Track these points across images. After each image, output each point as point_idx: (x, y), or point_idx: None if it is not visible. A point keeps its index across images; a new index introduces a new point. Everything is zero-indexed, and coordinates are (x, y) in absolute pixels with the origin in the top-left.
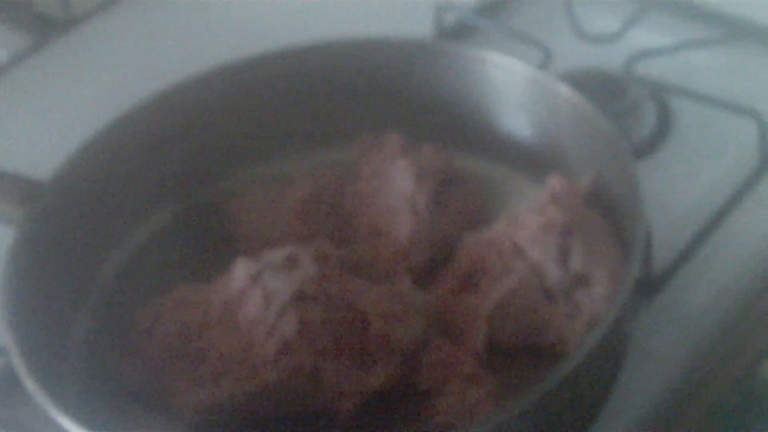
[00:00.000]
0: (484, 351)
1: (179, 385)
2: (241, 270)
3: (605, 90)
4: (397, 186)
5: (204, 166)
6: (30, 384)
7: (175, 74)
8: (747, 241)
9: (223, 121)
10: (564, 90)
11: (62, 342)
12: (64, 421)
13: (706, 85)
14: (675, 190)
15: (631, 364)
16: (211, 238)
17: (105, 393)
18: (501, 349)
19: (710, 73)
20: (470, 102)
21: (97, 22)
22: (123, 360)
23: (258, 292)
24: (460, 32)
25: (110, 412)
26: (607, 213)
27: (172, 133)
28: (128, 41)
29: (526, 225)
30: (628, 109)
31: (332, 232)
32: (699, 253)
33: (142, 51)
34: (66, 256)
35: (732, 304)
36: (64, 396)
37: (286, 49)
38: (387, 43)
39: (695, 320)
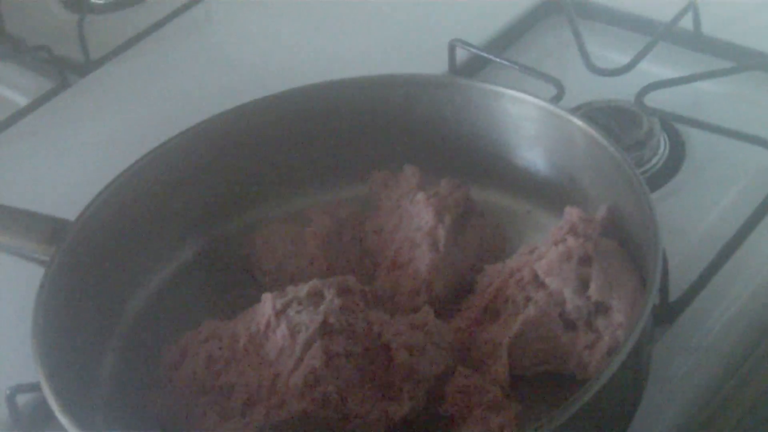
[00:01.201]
0: (506, 379)
1: (207, 418)
2: (267, 304)
3: (618, 122)
4: (416, 220)
5: (225, 203)
6: (63, 419)
7: (191, 114)
8: (762, 268)
9: (243, 159)
10: (579, 124)
11: (91, 376)
12: None
13: (716, 115)
14: (690, 219)
15: (651, 389)
16: (234, 274)
17: (132, 425)
18: (523, 377)
19: (720, 103)
20: (486, 136)
21: (115, 64)
22: (151, 394)
23: (284, 326)
24: (473, 68)
25: None
26: (624, 242)
27: (194, 172)
28: (146, 83)
29: (545, 255)
30: (641, 141)
31: (353, 267)
32: (714, 280)
33: (160, 92)
34: (93, 293)
35: (747, 329)
36: (94, 428)
37: (304, 87)
38: (402, 80)
39: (712, 345)
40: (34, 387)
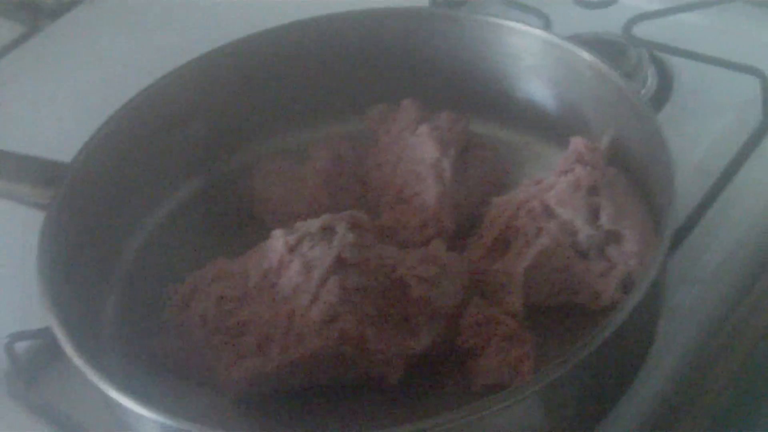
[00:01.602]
0: (521, 310)
1: (222, 359)
2: (278, 241)
3: (606, 54)
4: (419, 153)
5: (222, 140)
6: (78, 361)
7: (170, 56)
8: (759, 197)
9: (238, 95)
10: (586, 55)
11: (95, 318)
12: (113, 393)
13: (703, 46)
14: (682, 150)
15: (662, 321)
16: (233, 212)
17: (141, 367)
18: (536, 308)
19: (706, 34)
20: (485, 68)
21: (88, 6)
22: (157, 337)
23: (297, 262)
24: (455, 2)
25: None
26: (629, 171)
27: (188, 110)
28: (120, 24)
29: (555, 186)
30: (629, 72)
31: (355, 203)
32: (711, 210)
33: (136, 33)
34: (93, 235)
35: (749, 258)
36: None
37: (299, 22)
38: (398, 13)
39: (716, 274)
40: (33, 334)
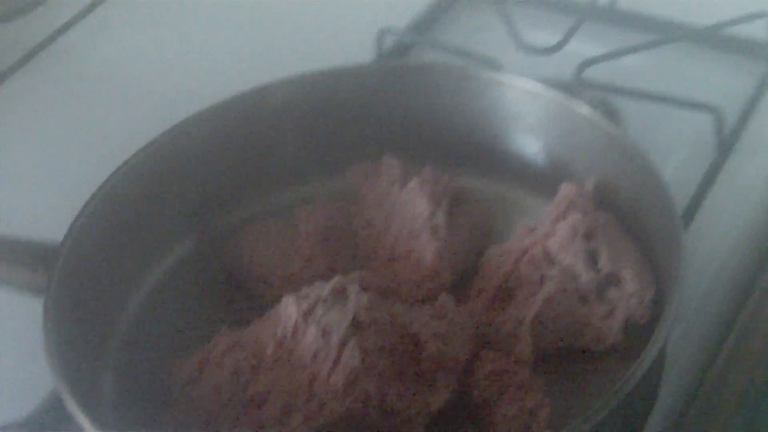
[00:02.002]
0: (531, 358)
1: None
2: (290, 307)
3: None
4: (410, 209)
5: (206, 205)
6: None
7: (109, 125)
8: (719, 230)
9: (220, 158)
10: (583, 109)
11: (96, 396)
12: None
13: (654, 86)
14: None
15: None
16: (222, 277)
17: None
18: (541, 355)
19: (655, 75)
20: (469, 122)
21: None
22: (164, 413)
23: (314, 327)
24: (401, 53)
25: None
26: (626, 220)
27: (169, 176)
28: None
29: (554, 233)
30: None
31: (350, 262)
32: None
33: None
34: (90, 311)
35: (723, 289)
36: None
37: (279, 82)
38: (382, 69)
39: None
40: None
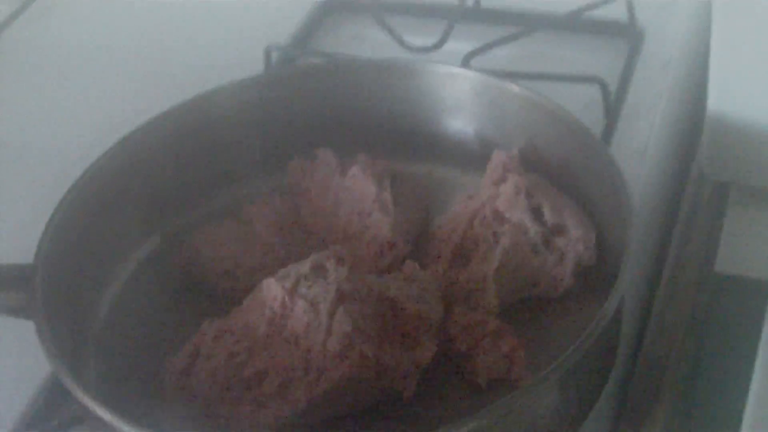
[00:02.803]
0: (498, 308)
1: (242, 411)
2: (273, 287)
3: None
4: (356, 193)
5: (164, 206)
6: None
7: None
8: None
9: (170, 163)
10: (514, 88)
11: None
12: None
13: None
14: None
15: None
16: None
17: None
18: (504, 307)
19: (529, 61)
20: (390, 111)
21: None
22: (158, 407)
23: (302, 302)
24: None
25: None
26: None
27: (128, 182)
28: None
29: (499, 194)
30: None
31: (305, 249)
32: None
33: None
34: (68, 321)
35: None
36: None
37: (220, 87)
38: (319, 69)
39: None
40: None
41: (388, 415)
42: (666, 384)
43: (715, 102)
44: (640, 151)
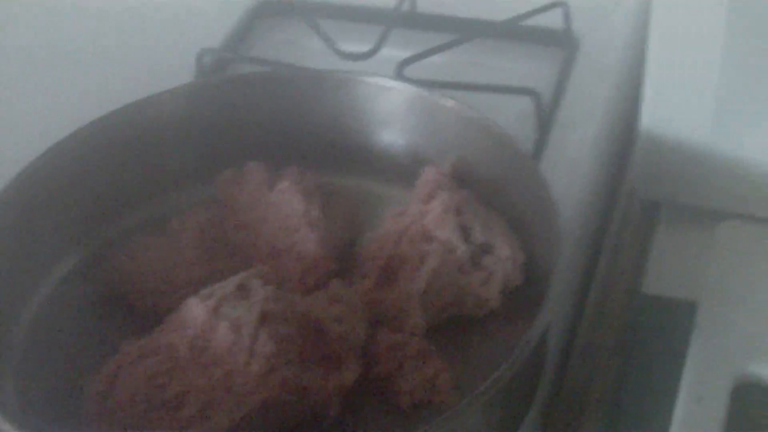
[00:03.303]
0: (423, 329)
1: None
2: (196, 308)
3: None
4: (284, 208)
5: (89, 217)
6: None
7: None
8: None
9: (96, 172)
10: (449, 103)
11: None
12: None
13: (467, 79)
14: None
15: None
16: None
17: None
18: (430, 327)
19: (465, 69)
20: (320, 122)
21: None
22: (84, 428)
23: (224, 324)
24: (221, 70)
25: None
26: (500, 205)
27: (51, 192)
28: None
29: (428, 212)
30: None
31: (230, 265)
32: None
33: None
34: None
35: None
36: None
37: (148, 97)
38: (241, 80)
39: None
40: None
41: None
42: (590, 405)
43: (649, 117)
44: (571, 163)
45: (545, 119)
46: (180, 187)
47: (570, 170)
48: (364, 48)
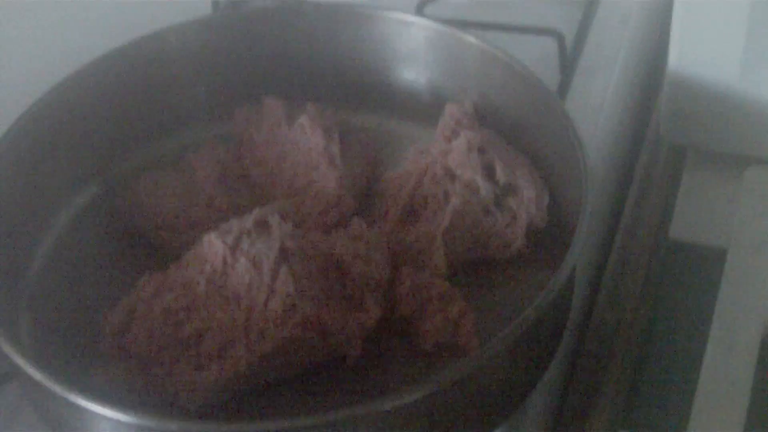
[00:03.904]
0: (446, 270)
1: (179, 372)
2: (215, 243)
3: None
4: (303, 145)
5: (105, 152)
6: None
7: None
8: None
9: (112, 106)
10: (471, 39)
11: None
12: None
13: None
14: None
15: None
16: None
17: None
18: (453, 268)
19: (484, 10)
20: (340, 58)
21: None
22: (94, 367)
23: (243, 259)
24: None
25: None
26: (522, 143)
27: (67, 125)
28: None
29: (451, 151)
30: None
31: (249, 201)
32: None
33: None
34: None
35: None
36: None
37: (165, 29)
38: (266, 12)
39: None
40: None
41: (332, 379)
42: (617, 353)
43: (676, 60)
44: (595, 108)
45: (569, 62)
46: (197, 122)
47: (594, 114)
48: None
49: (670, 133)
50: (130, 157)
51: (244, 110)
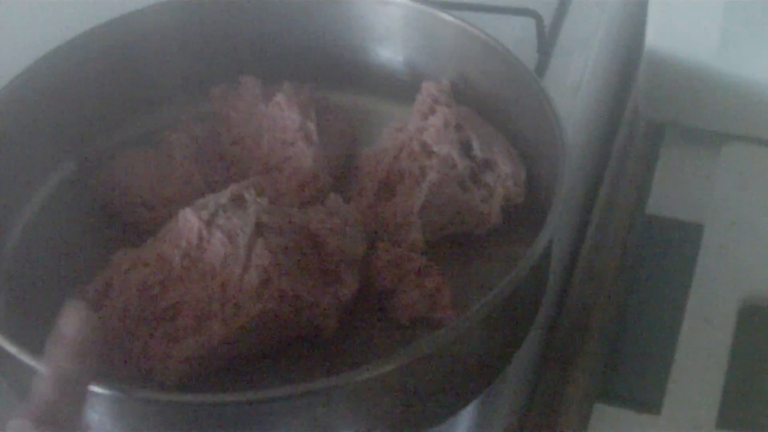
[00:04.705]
0: (422, 245)
1: (154, 347)
2: (190, 218)
3: None
4: (280, 122)
5: (81, 129)
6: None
7: None
8: None
9: (89, 84)
10: (448, 17)
11: None
12: None
13: None
14: None
15: None
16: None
17: None
18: (430, 243)
19: None
20: (316, 37)
21: None
22: None
23: (219, 234)
24: None
25: None
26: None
27: (44, 102)
28: None
29: (427, 127)
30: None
31: (225, 179)
32: None
33: None
34: None
35: None
36: None
37: (146, 8)
38: None
39: None
40: None
41: (308, 353)
42: (593, 328)
43: (654, 37)
44: (573, 87)
45: (547, 42)
46: (174, 101)
47: (572, 93)
48: None
49: (648, 110)
50: (107, 135)
51: (221, 89)
